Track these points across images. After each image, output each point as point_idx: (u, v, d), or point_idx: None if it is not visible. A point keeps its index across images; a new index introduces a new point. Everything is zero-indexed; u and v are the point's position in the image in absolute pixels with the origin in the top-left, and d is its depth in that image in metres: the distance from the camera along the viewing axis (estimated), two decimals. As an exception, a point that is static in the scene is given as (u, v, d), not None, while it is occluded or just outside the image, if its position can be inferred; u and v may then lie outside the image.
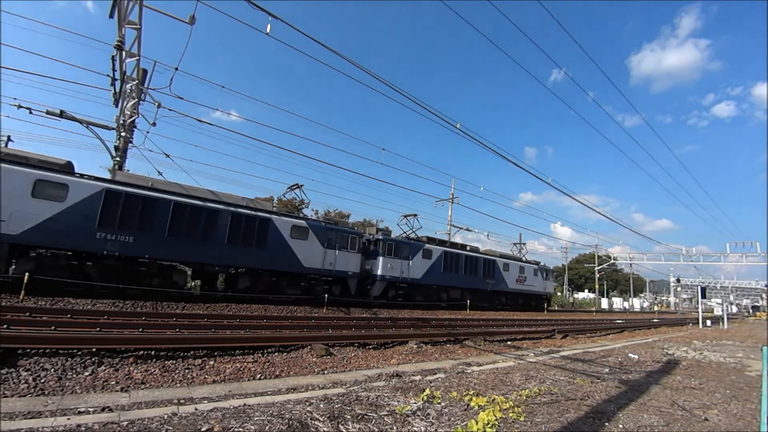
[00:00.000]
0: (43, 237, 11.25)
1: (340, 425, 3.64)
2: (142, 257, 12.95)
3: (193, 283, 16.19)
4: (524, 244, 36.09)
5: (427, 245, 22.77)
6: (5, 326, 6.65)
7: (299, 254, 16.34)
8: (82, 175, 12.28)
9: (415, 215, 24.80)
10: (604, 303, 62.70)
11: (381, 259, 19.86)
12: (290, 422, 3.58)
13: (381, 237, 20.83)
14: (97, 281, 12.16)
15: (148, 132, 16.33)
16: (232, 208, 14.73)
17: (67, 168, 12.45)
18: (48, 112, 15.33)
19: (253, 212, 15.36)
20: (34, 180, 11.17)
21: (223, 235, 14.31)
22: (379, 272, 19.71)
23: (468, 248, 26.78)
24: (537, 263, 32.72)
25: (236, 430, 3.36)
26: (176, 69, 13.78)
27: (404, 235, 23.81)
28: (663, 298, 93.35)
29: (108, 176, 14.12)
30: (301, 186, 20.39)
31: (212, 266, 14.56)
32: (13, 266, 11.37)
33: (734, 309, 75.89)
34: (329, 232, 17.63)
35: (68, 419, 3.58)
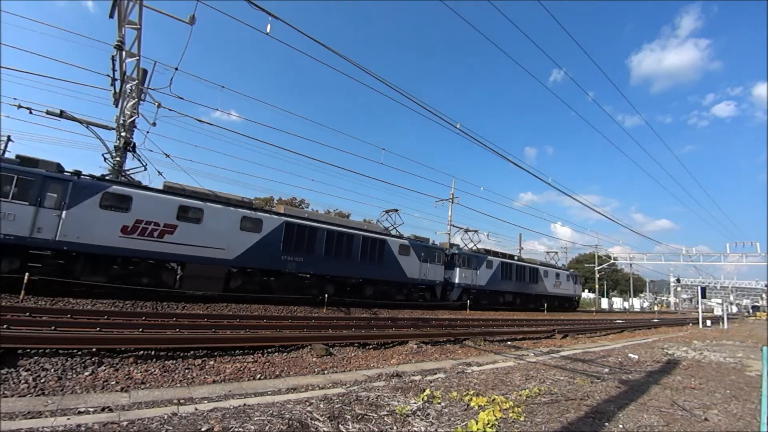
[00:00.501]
0: (249, 260, 14.86)
1: (340, 425, 3.64)
2: (309, 273, 16.75)
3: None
4: (556, 252, 41.12)
5: (489, 257, 26.85)
6: (5, 326, 6.64)
7: (404, 267, 20.49)
8: (269, 211, 16.33)
9: (476, 231, 29.37)
10: (604, 303, 62.68)
11: (458, 269, 24.02)
12: (290, 422, 3.58)
13: (457, 251, 24.73)
14: (278, 292, 15.84)
15: (148, 132, 16.35)
16: (362, 233, 18.94)
17: (251, 204, 16.09)
18: (48, 112, 15.31)
19: (375, 234, 19.62)
20: (241, 217, 14.73)
21: (357, 254, 18.31)
22: (457, 281, 23.90)
23: (516, 258, 30.88)
24: (568, 269, 37.79)
25: (236, 430, 3.36)
26: (176, 69, 13.78)
27: (467, 247, 27.85)
28: (663, 298, 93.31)
29: (110, 177, 14.71)
30: (398, 210, 23.35)
31: (350, 278, 18.41)
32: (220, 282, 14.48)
33: (734, 309, 75.86)
34: (423, 249, 21.65)
35: (68, 419, 3.58)
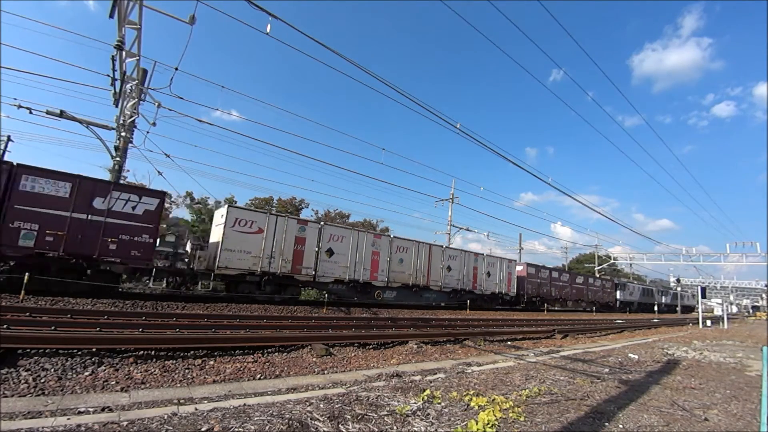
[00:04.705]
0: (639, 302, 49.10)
1: (340, 425, 3.64)
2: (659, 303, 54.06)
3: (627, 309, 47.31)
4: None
5: (642, 285, 54.67)
6: (5, 326, 6.65)
7: (663, 300, 54.57)
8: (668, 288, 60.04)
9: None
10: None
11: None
12: (290, 422, 3.58)
13: (651, 286, 55.34)
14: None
15: (148, 132, 16.36)
16: (653, 287, 54.81)
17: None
18: (48, 112, 15.34)
19: (646, 286, 54.03)
20: (657, 288, 54.94)
21: (656, 296, 54.11)
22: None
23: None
24: (666, 285, 60.81)
25: (236, 430, 3.36)
26: (176, 69, 13.78)
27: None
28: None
29: (108, 176, 15.28)
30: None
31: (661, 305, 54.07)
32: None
33: (734, 309, 75.80)
34: (660, 290, 55.33)
35: (68, 419, 3.58)
